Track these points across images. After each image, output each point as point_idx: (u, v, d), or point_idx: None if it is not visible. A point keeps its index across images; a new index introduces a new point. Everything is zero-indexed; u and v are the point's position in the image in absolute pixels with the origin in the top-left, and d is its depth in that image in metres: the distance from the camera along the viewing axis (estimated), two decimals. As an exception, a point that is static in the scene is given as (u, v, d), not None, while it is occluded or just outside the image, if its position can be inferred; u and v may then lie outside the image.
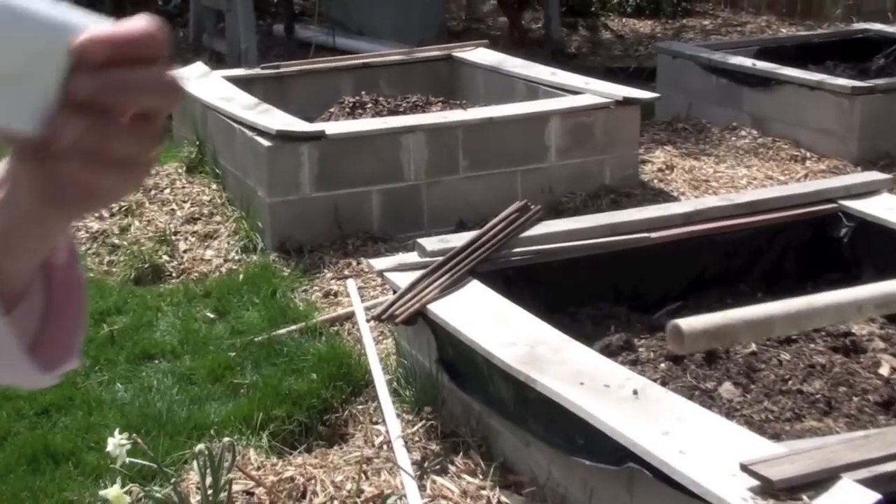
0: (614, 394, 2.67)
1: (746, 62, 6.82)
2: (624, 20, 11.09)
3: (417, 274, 3.43)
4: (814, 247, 4.13)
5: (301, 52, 8.34)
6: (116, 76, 0.66)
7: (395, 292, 3.47)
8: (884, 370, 3.47)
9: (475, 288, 3.39)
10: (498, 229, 3.68)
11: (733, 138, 6.59)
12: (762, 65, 6.73)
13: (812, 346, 3.60)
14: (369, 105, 5.69)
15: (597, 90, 5.55)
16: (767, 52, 7.36)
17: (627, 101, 5.42)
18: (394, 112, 5.58)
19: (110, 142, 0.68)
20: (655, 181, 5.77)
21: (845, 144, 6.09)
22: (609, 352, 3.55)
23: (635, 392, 2.66)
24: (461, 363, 3.22)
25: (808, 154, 6.20)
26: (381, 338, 4.04)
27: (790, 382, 3.34)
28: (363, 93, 5.92)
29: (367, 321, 3.91)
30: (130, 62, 0.67)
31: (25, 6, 0.63)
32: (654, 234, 3.87)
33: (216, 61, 7.89)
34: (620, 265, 3.85)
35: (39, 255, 0.82)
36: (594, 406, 2.61)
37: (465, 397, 3.22)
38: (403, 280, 3.42)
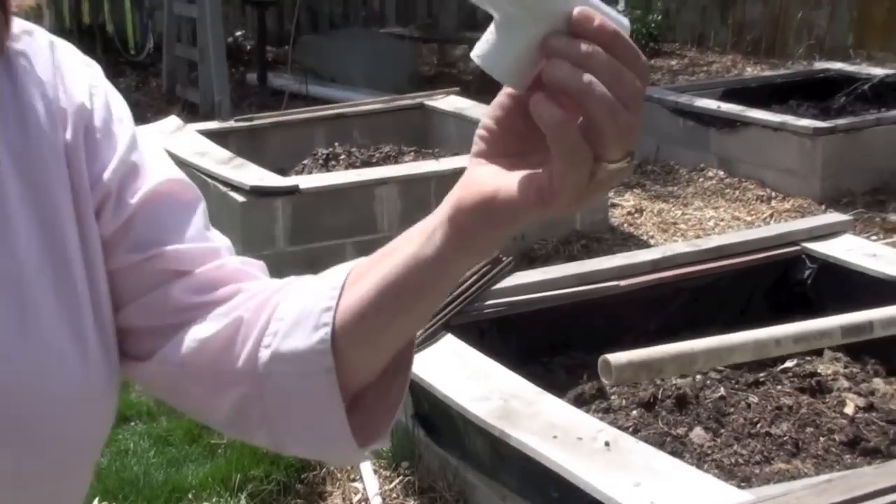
0: (587, 446, 2.75)
1: (712, 104, 6.97)
2: (592, 61, 11.26)
3: (393, 329, 3.50)
4: (780, 289, 4.24)
5: (274, 101, 8.44)
6: (605, 60, 0.65)
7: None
8: (849, 409, 3.56)
9: (449, 342, 3.47)
10: (470, 282, 3.76)
11: (701, 179, 6.72)
12: (727, 107, 6.88)
13: (779, 387, 3.69)
14: (342, 156, 5.78)
15: (565, 137, 5.66)
16: (733, 92, 7.52)
17: (595, 148, 5.53)
18: (367, 163, 5.68)
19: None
20: (625, 225, 5.88)
21: (809, 184, 6.23)
22: (582, 400, 3.64)
23: (607, 444, 2.74)
24: (437, 418, 3.29)
25: (774, 194, 6.33)
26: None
27: (759, 425, 3.43)
28: (336, 144, 6.01)
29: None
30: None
31: None
32: (623, 282, 3.96)
33: (189, 112, 7.98)
34: (592, 313, 3.94)
35: (428, 315, 0.85)
36: (567, 460, 2.68)
37: (442, 452, 3.29)
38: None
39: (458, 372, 3.26)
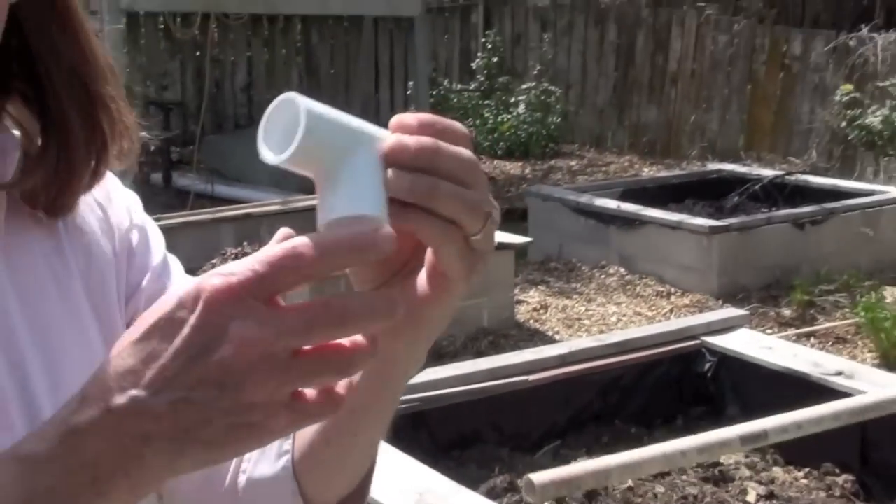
0: (501, 537, 2.82)
1: (612, 204, 7.21)
2: (495, 162, 11.53)
3: (307, 426, 3.54)
4: (682, 381, 4.39)
5: (179, 201, 8.46)
6: (428, 180, 0.66)
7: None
8: (750, 497, 3.69)
9: (364, 438, 3.51)
10: (383, 379, 3.82)
11: (603, 276, 6.91)
12: (626, 206, 7.12)
13: (684, 477, 3.81)
14: (252, 256, 5.83)
15: (472, 236, 5.81)
16: (631, 192, 7.79)
17: (502, 246, 5.68)
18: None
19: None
20: (531, 321, 6.01)
21: (706, 280, 6.46)
22: (494, 494, 3.70)
23: (520, 534, 2.81)
24: (353, 513, 3.31)
25: (673, 290, 6.55)
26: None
27: (665, 515, 3.54)
28: (245, 243, 6.06)
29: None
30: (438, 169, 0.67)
31: (323, 110, 0.66)
32: (532, 377, 4.06)
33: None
34: (501, 408, 4.03)
35: (378, 434, 0.88)
36: (482, 550, 2.74)
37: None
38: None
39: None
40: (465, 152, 0.69)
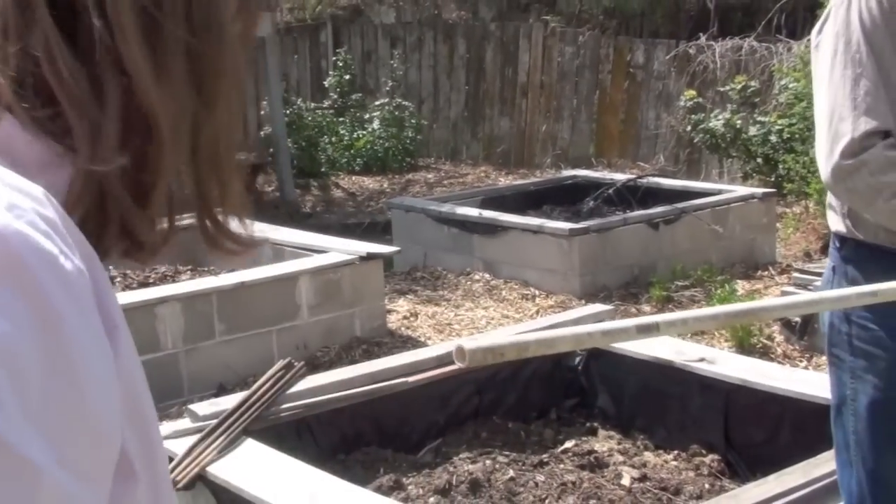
0: (395, 529, 2.90)
1: (473, 212, 7.37)
2: (353, 178, 11.62)
3: (194, 439, 3.56)
4: (553, 376, 4.55)
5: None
6: None
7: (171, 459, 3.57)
8: (625, 481, 3.86)
9: (251, 446, 3.55)
10: (266, 388, 3.86)
11: (468, 282, 7.06)
12: (487, 213, 7.30)
13: (562, 465, 3.96)
14: (118, 279, 5.77)
15: (341, 248, 5.89)
16: (491, 200, 7.98)
17: (371, 256, 5.78)
18: (144, 284, 5.69)
19: None
20: (403, 328, 6.11)
21: (568, 281, 6.67)
22: (381, 493, 3.78)
23: (414, 525, 2.90)
24: (245, 520, 3.35)
25: (537, 292, 6.74)
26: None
27: (547, 501, 3.67)
28: (110, 268, 6.00)
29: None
30: None
31: None
32: (411, 378, 4.16)
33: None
34: (383, 410, 4.11)
35: None
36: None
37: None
38: (180, 446, 3.54)
39: (262, 474, 3.34)
40: None
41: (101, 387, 0.64)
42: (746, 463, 4.01)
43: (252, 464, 3.44)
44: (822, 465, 3.07)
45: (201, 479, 3.46)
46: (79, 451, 0.62)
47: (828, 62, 2.15)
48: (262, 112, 11.55)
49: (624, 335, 1.51)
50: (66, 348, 0.62)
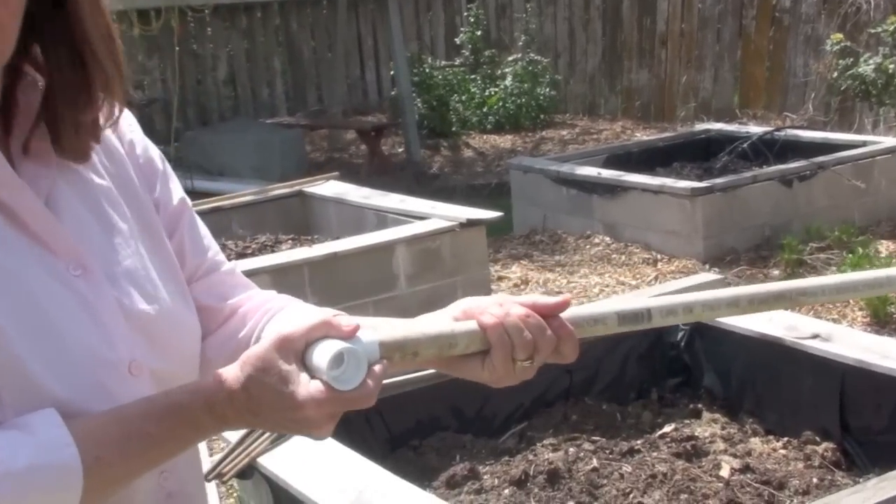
0: (439, 535, 2.63)
1: (592, 172, 6.98)
2: (485, 137, 11.32)
3: (248, 426, 3.35)
4: (653, 353, 4.18)
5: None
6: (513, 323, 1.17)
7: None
8: (724, 472, 3.48)
9: (308, 434, 3.33)
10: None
11: (588, 246, 6.70)
12: (607, 173, 6.90)
13: (655, 454, 3.61)
14: (216, 250, 5.64)
15: (442, 214, 5.61)
16: (615, 158, 7.56)
17: (472, 223, 5.48)
18: (242, 255, 5.55)
19: None
20: (510, 298, 5.81)
21: (692, 244, 6.24)
22: (454, 483, 3.51)
23: (459, 531, 2.62)
24: (295, 515, 3.13)
25: (659, 256, 6.33)
26: (231, 490, 3.94)
27: (631, 495, 3.33)
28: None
29: (210, 478, 3.80)
30: None
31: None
32: (492, 358, 3.86)
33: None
34: (462, 392, 3.83)
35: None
36: (417, 550, 2.55)
37: (304, 551, 3.13)
38: (234, 434, 3.34)
39: (314, 465, 3.12)
40: (533, 323, 1.17)
41: None
42: (865, 452, 3.57)
43: (305, 454, 3.21)
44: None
45: (257, 469, 3.26)
46: None
47: None
48: (391, 73, 11.37)
49: (600, 326, 1.23)
50: None
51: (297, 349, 1.06)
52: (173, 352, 1.22)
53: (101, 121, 1.20)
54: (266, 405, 1.06)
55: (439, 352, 1.16)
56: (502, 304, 1.17)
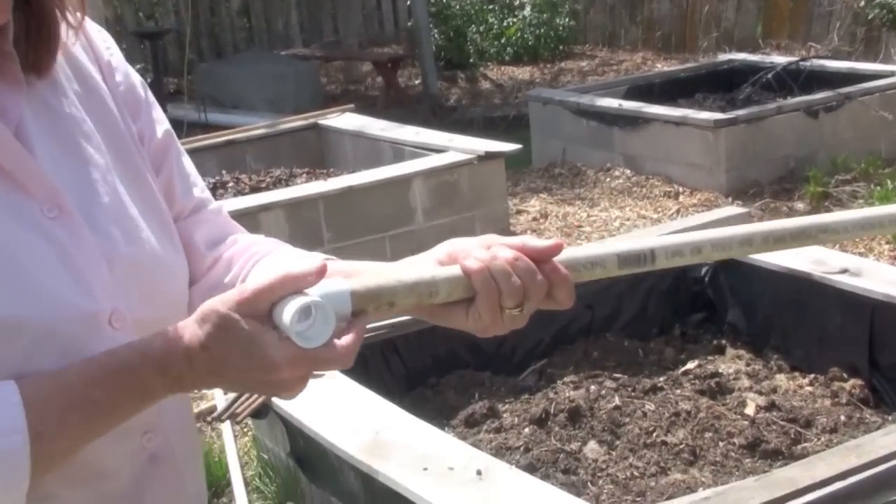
0: (458, 476, 2.56)
1: (613, 103, 6.84)
2: (503, 68, 11.13)
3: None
4: (676, 289, 4.08)
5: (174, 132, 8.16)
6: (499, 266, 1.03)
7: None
8: (749, 410, 3.41)
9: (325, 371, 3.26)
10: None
11: (608, 179, 6.58)
12: (628, 105, 6.75)
13: (678, 391, 3.53)
14: (230, 184, 5.55)
15: (460, 147, 5.49)
16: (637, 90, 7.41)
17: (490, 156, 5.37)
18: (256, 189, 5.46)
19: None
20: (528, 231, 5.71)
21: (714, 176, 6.11)
22: (473, 421, 3.45)
23: (479, 472, 2.55)
24: (312, 455, 3.08)
25: (681, 189, 6.21)
26: (246, 430, 3.89)
27: (654, 434, 3.26)
28: (224, 171, 5.79)
29: (223, 419, 3.75)
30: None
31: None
32: (511, 294, 3.78)
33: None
34: (480, 329, 3.75)
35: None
36: (436, 492, 2.49)
37: (321, 491, 3.08)
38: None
39: (330, 405, 3.05)
40: (522, 267, 1.03)
41: None
42: (894, 389, 3.49)
43: (321, 392, 3.14)
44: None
45: (272, 408, 3.21)
46: None
47: None
48: (408, 2, 11.17)
49: (598, 270, 1.10)
50: None
51: (260, 306, 0.95)
52: (160, 297, 1.12)
53: (63, 29, 1.09)
54: (230, 366, 0.95)
55: (419, 300, 1.03)
56: (489, 246, 1.05)
